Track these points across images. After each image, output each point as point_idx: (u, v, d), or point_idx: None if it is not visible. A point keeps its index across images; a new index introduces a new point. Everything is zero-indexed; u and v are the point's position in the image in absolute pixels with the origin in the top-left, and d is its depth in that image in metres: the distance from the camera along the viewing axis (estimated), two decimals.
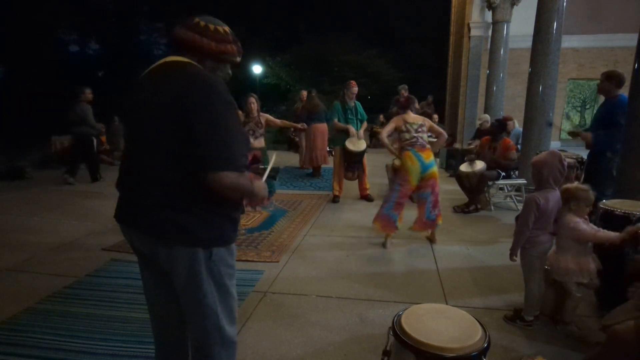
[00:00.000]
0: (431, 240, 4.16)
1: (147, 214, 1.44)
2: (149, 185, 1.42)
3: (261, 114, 5.00)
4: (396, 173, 4.01)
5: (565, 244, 2.45)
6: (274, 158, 2.44)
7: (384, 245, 4.03)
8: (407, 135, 3.96)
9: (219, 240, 1.48)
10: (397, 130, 4.03)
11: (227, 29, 1.55)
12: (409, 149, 3.92)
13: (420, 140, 3.95)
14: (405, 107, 4.17)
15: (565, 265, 2.39)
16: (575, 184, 2.63)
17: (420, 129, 3.99)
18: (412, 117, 4.05)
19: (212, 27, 1.50)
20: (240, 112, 4.72)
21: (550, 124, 4.55)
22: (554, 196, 2.48)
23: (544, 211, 2.45)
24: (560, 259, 2.43)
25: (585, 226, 2.40)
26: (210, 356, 1.56)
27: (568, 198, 2.44)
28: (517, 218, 2.73)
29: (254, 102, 4.86)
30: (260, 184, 1.58)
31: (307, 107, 7.99)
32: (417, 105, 4.71)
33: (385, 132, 4.08)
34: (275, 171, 5.32)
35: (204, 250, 1.45)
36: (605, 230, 2.40)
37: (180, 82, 1.40)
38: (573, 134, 4.27)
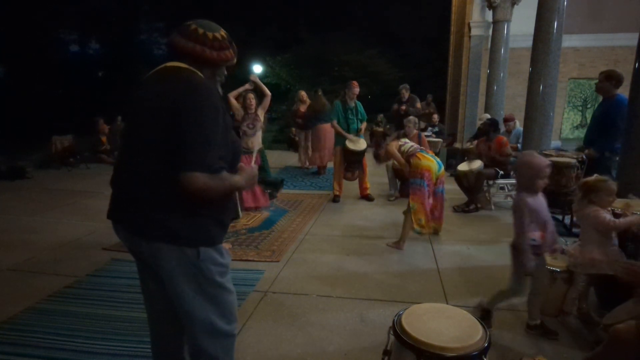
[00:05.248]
0: (438, 231, 4.30)
1: (134, 212, 1.47)
2: (139, 184, 1.45)
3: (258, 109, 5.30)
4: (421, 175, 4.00)
5: (587, 236, 2.43)
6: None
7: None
8: (407, 146, 4.12)
9: (204, 241, 1.50)
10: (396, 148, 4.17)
11: (223, 33, 1.57)
12: (416, 152, 4.02)
13: (419, 147, 4.15)
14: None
15: (590, 257, 2.35)
16: (595, 176, 2.56)
17: (413, 142, 4.29)
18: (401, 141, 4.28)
19: (210, 35, 1.52)
20: (240, 107, 5.11)
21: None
22: (520, 195, 2.35)
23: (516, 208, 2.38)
24: (585, 251, 2.40)
25: (607, 215, 2.38)
26: (204, 350, 1.59)
27: (587, 190, 2.42)
28: None
29: (252, 98, 5.17)
30: (247, 173, 1.59)
31: (314, 107, 7.94)
32: (418, 104, 4.73)
33: (394, 150, 4.17)
34: (277, 185, 5.51)
35: (190, 249, 1.47)
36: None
37: (175, 87, 1.44)
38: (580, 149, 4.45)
